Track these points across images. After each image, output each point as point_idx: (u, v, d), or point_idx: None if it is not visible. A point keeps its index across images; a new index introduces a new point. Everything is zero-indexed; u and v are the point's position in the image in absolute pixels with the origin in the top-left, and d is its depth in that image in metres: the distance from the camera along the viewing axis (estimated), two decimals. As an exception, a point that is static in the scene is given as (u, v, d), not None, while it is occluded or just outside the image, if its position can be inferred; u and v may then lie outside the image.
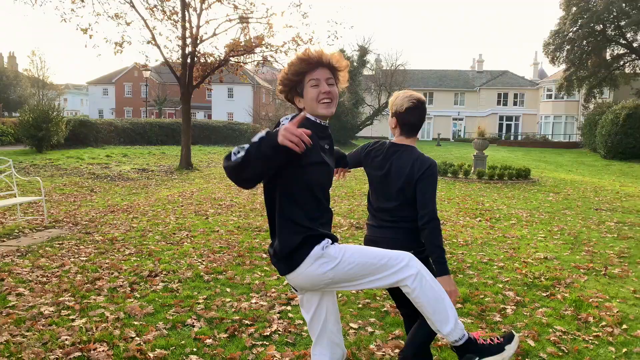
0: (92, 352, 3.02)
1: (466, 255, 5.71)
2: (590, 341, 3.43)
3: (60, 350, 3.04)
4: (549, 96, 43.46)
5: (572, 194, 11.43)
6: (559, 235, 6.91)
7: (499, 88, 48.08)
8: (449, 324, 1.93)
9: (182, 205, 8.82)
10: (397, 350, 3.18)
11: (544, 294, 4.39)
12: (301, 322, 3.62)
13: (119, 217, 7.62)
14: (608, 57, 30.79)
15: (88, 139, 22.76)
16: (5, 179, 7.55)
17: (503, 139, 43.53)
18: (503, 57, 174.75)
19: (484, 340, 2.02)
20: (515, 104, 48.01)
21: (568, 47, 30.79)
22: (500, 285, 4.61)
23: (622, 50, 30.27)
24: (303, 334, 3.42)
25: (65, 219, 7.35)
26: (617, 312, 3.97)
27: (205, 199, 9.63)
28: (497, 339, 2.03)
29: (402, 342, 3.31)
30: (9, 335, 3.24)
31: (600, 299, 4.27)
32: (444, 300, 1.93)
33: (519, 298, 4.27)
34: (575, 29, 29.64)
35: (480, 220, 7.93)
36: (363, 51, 35.10)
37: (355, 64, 34.86)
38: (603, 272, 5.12)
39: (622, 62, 30.57)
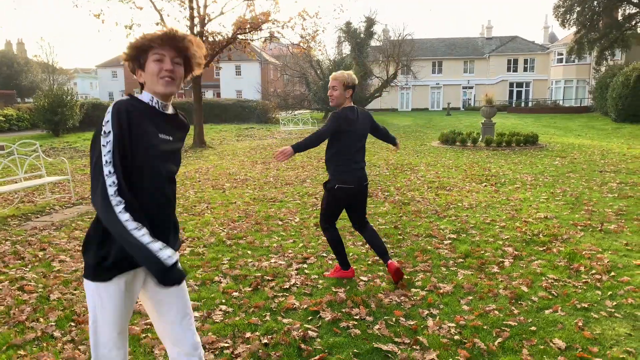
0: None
1: (470, 217, 6.05)
2: (579, 287, 3.78)
3: (107, 304, 3.48)
4: (560, 60, 42.75)
5: (578, 158, 11.63)
6: (561, 197, 7.20)
7: (508, 54, 47.34)
8: None
9: (199, 181, 9.24)
10: (402, 297, 3.57)
11: (541, 249, 4.73)
12: (316, 276, 4.02)
13: (141, 194, 8.04)
14: (619, 18, 30.18)
15: (102, 121, 23.19)
16: (33, 161, 8.01)
17: (513, 106, 43.14)
18: (513, 22, 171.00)
19: None
20: (525, 69, 47.31)
21: (578, 8, 30.21)
22: (500, 242, 4.96)
23: (633, 10, 29.61)
24: (318, 286, 3.82)
25: (90, 197, 7.79)
26: (608, 262, 4.30)
27: (221, 174, 10.03)
28: None
29: (406, 291, 3.70)
30: (60, 293, 3.68)
31: (593, 252, 4.60)
32: None
33: (517, 253, 4.62)
34: (585, -12, 29.06)
35: (485, 186, 8.23)
36: (370, 22, 34.71)
37: (362, 35, 34.58)
38: (599, 227, 5.44)
39: (633, 22, 29.92)
